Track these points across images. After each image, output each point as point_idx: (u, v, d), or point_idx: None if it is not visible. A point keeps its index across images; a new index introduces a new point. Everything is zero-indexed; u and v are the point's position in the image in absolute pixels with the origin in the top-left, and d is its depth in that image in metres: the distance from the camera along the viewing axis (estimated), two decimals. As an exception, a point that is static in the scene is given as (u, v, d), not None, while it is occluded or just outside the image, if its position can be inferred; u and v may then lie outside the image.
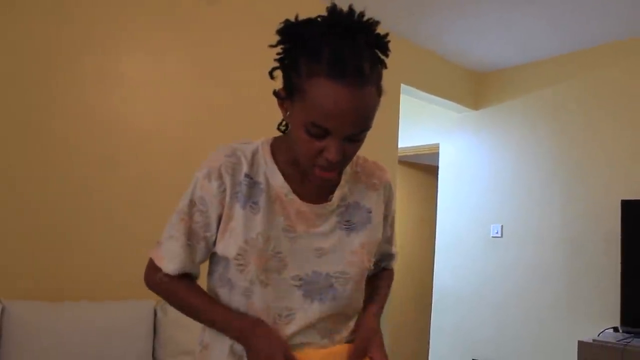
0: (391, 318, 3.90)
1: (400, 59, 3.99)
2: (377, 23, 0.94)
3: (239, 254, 1.00)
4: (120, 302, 2.39)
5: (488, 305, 4.36)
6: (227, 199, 1.02)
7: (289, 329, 1.02)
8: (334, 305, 1.05)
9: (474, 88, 4.67)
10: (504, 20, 3.63)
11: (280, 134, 1.10)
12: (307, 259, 1.03)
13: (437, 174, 4.96)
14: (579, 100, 4.05)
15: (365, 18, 0.93)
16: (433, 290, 4.82)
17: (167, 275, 1.06)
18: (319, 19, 0.93)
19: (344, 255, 1.06)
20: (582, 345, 3.26)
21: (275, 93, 1.01)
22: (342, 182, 1.10)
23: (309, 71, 0.90)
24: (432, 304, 4.81)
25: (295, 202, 1.05)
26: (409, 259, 5.43)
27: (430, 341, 4.77)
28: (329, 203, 1.08)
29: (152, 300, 2.41)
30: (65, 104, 2.44)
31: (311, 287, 1.03)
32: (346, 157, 0.97)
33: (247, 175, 1.04)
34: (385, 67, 0.98)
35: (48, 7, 2.42)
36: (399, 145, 4.07)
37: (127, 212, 2.59)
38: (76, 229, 2.44)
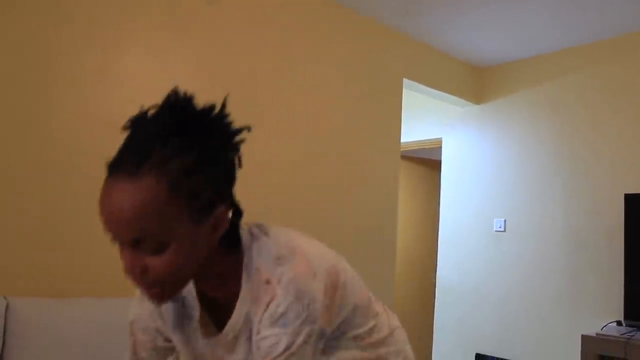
0: (394, 313, 3.91)
1: (402, 53, 3.98)
2: (222, 118, 0.85)
3: None
4: (123, 298, 2.40)
5: (491, 299, 4.37)
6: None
7: None
8: None
9: (476, 82, 4.66)
10: (506, 14, 3.62)
11: None
12: None
13: (440, 168, 4.95)
14: (581, 95, 4.03)
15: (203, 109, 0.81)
16: (436, 285, 4.82)
17: None
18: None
19: None
20: (585, 339, 3.27)
21: None
22: (238, 303, 0.91)
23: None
24: (435, 299, 4.81)
25: (206, 341, 0.97)
26: (412, 254, 5.43)
27: (434, 336, 4.78)
28: (222, 334, 0.93)
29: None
30: (66, 104, 2.45)
31: None
32: (156, 273, 0.79)
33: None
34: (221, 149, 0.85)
35: (48, 7, 2.42)
36: (402, 140, 4.07)
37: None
38: (77, 229, 2.44)
